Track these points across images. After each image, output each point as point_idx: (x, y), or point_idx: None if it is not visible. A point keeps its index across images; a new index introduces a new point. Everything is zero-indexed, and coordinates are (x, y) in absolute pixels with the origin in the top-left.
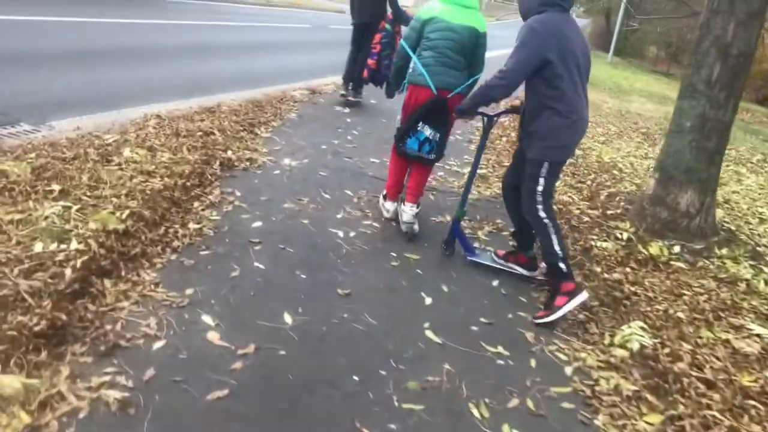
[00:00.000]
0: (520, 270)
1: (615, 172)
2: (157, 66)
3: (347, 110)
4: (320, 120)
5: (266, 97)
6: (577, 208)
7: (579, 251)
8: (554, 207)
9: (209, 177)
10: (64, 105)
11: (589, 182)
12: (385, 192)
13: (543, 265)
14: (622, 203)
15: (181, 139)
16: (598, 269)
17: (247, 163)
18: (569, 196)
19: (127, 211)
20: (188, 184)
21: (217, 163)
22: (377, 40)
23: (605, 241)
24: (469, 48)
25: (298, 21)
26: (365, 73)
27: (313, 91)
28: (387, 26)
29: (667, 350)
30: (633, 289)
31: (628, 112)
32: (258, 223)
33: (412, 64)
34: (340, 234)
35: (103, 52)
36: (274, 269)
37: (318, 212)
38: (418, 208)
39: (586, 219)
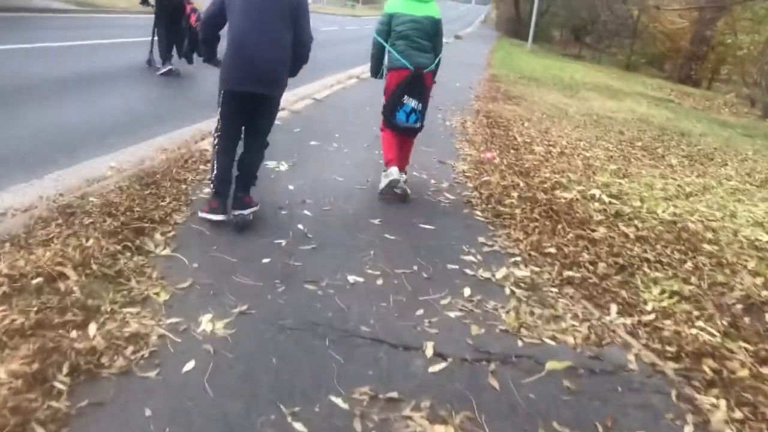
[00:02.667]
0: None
1: (704, 245)
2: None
3: (283, 167)
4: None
5: (163, 162)
6: (738, 362)
7: None
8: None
9: None
10: None
11: (694, 280)
12: (385, 166)
13: (248, 211)
14: None
15: None
16: None
17: (129, 354)
18: (704, 331)
19: None
20: None
21: (64, 371)
22: (195, 20)
23: None
24: (432, 33)
25: None
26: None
27: None
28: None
29: None
30: None
31: (598, 116)
32: None
33: (387, 54)
34: None
35: None
36: None
37: None
38: (405, 175)
39: None
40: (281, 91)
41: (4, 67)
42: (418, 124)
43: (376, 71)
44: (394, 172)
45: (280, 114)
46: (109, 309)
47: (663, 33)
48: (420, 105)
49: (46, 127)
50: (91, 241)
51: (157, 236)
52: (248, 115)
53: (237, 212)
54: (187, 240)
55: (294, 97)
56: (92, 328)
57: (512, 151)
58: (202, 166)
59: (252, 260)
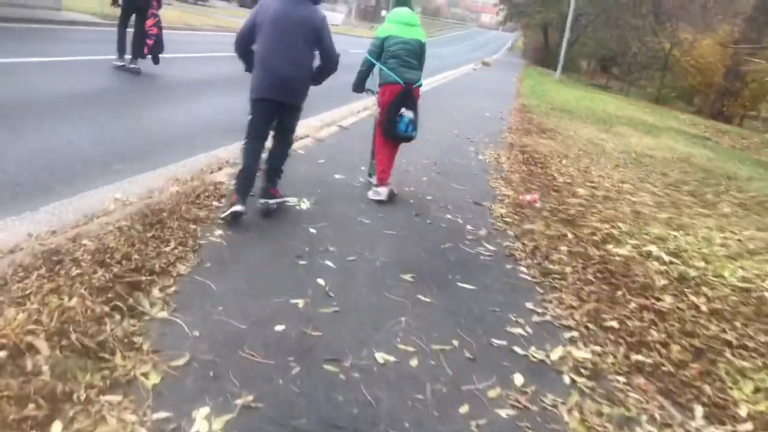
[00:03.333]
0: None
1: None
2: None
3: (305, 205)
4: (266, 238)
5: (172, 196)
6: None
7: None
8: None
9: None
10: None
11: None
12: (376, 181)
13: (272, 201)
14: None
15: None
16: None
17: None
18: None
19: None
20: None
21: None
22: (150, 24)
23: None
24: (419, 53)
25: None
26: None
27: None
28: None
29: None
30: None
31: (637, 154)
32: None
33: (378, 71)
34: None
35: None
36: None
37: None
38: (390, 176)
39: None
40: (301, 99)
41: (13, 82)
42: (414, 133)
43: (359, 87)
44: (383, 193)
45: (304, 142)
46: (83, 397)
47: (695, 67)
48: (415, 116)
49: (48, 148)
50: (74, 300)
51: (155, 292)
52: (274, 118)
53: (263, 201)
54: (190, 297)
55: (319, 123)
56: (56, 429)
57: (553, 193)
58: (215, 203)
59: (263, 327)
